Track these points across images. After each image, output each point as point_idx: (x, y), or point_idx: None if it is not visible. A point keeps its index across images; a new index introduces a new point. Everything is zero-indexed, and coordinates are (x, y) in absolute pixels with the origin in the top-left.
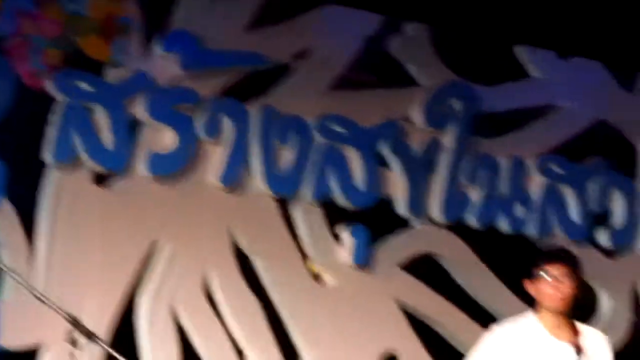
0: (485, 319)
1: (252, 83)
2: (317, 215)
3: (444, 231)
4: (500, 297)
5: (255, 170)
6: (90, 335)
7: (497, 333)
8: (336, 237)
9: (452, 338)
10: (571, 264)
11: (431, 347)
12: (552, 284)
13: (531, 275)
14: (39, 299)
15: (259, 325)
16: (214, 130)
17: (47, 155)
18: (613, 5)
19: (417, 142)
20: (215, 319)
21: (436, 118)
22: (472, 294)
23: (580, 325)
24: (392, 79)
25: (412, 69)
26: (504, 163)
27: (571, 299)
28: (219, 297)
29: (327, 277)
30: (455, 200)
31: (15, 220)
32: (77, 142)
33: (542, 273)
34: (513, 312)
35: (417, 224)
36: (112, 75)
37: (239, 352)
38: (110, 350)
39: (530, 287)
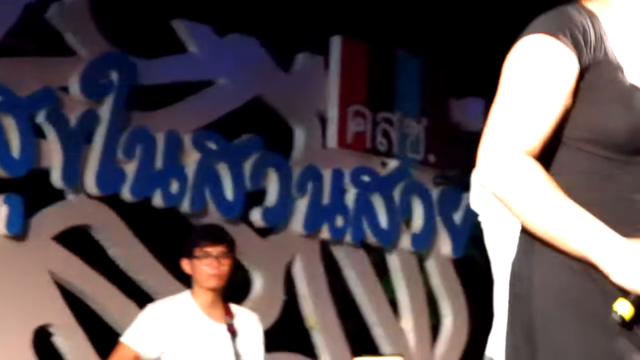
0: (139, 295)
1: None
2: None
3: (99, 204)
4: (153, 273)
5: None
6: None
7: (151, 312)
8: None
9: (105, 314)
10: (227, 243)
11: (85, 322)
12: (208, 262)
13: (187, 253)
14: None
15: None
16: None
17: None
18: None
19: (73, 113)
20: None
21: (92, 89)
22: (125, 269)
23: (233, 306)
24: (51, 48)
25: (70, 38)
26: (159, 137)
27: (227, 277)
28: None
29: None
30: (110, 174)
31: None
32: None
33: (198, 251)
34: (167, 289)
35: (71, 195)
36: None
37: None
38: None
39: (187, 265)
